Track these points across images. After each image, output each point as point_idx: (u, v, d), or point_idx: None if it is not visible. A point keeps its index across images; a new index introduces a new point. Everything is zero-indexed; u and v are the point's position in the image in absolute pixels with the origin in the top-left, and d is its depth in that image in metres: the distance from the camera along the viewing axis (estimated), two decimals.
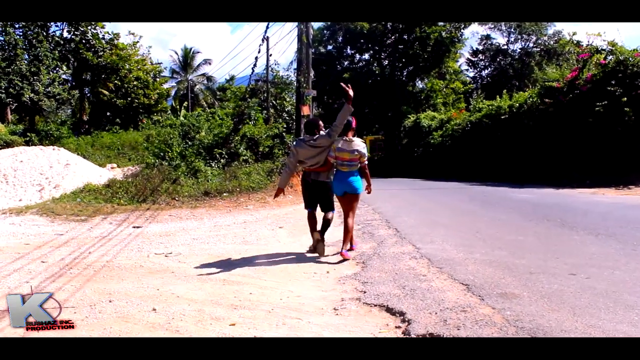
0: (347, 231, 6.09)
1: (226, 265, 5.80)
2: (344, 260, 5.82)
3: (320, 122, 6.51)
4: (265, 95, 22.48)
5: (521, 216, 8.56)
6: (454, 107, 37.38)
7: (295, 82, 19.32)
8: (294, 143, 6.62)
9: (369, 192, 6.39)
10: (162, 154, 16.16)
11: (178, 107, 40.95)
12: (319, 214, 6.51)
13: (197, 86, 49.93)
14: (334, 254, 6.20)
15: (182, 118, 23.17)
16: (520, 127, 18.90)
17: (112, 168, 18.47)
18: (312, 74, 17.10)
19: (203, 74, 50.66)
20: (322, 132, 6.34)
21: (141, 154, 20.17)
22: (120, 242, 7.62)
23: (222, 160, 16.14)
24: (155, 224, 9.62)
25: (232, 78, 50.99)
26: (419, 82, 43.38)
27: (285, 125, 19.49)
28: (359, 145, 6.13)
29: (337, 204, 6.80)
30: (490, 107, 22.02)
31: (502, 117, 20.32)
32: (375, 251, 6.14)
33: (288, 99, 22.57)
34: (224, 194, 13.57)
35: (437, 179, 22.54)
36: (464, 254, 5.63)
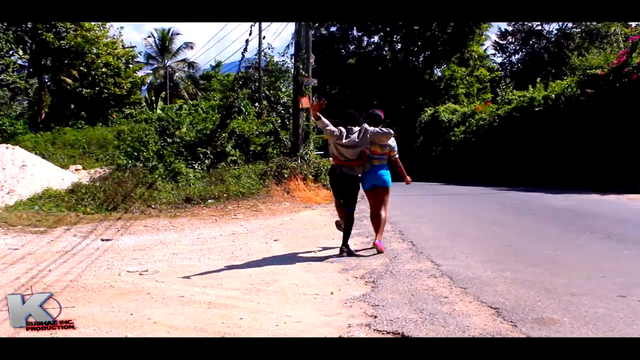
0: (380, 222, 7.18)
1: (212, 284, 5.78)
2: (379, 252, 6.92)
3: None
4: (257, 84, 22.50)
5: (560, 227, 8.55)
6: (479, 99, 37.47)
7: (292, 70, 19.36)
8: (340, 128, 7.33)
9: (408, 183, 7.70)
10: (135, 153, 16.19)
11: (154, 98, 40.99)
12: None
13: (177, 74, 50.06)
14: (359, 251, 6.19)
15: (159, 111, 23.27)
16: (557, 121, 18.95)
17: (76, 170, 18.46)
18: (312, 59, 17.16)
19: (184, 60, 50.81)
20: (366, 128, 7.26)
21: (111, 154, 20.17)
22: (87, 257, 7.61)
23: (206, 161, 16.16)
24: (128, 237, 9.61)
25: (218, 64, 51.19)
26: (438, 69, 43.48)
27: (280, 120, 19.51)
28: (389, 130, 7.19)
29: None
30: (521, 98, 22.08)
31: (536, 109, 20.39)
32: (388, 268, 6.13)
33: (284, 89, 22.58)
34: (209, 201, 13.58)
35: (459, 183, 22.59)
36: (492, 271, 5.63)
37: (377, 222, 7.23)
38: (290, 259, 7.26)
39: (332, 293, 5.32)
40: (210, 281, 5.96)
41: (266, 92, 22.82)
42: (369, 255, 6.99)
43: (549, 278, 5.24)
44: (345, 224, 7.37)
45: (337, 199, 7.58)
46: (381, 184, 7.20)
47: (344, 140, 7.18)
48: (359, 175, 7.33)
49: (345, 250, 7.19)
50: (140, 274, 6.45)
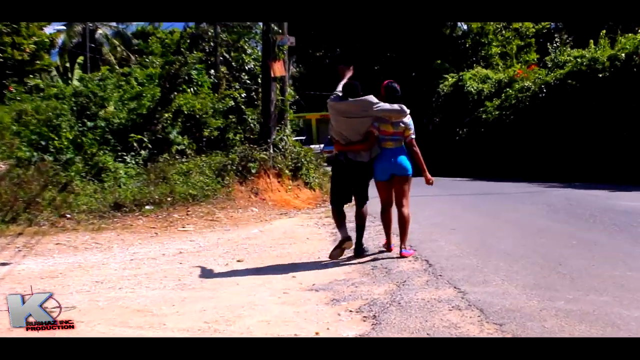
0: (405, 222, 7.91)
1: (151, 324, 5.75)
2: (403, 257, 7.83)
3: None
4: (212, 45, 22.42)
5: (632, 238, 8.60)
6: (520, 61, 37.59)
7: (261, 25, 19.32)
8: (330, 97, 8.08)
9: (429, 183, 8.43)
10: (43, 142, 16.05)
11: (69, 65, 40.75)
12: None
13: (101, 31, 49.76)
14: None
15: (76, 83, 23.12)
16: (629, 91, 19.00)
17: None
18: None
19: None
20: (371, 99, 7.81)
21: (8, 143, 19.97)
22: None
23: (142, 152, 16.10)
24: (33, 259, 9.54)
25: None
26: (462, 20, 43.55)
27: (245, 94, 19.49)
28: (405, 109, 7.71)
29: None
30: (579, 59, 22.15)
31: (599, 75, 20.44)
32: (394, 297, 6.14)
33: (250, 51, 22.56)
34: (147, 208, 13.54)
35: (492, 178, 22.67)
36: (538, 300, 5.67)
37: (400, 223, 7.98)
38: (260, 286, 7.25)
39: (317, 334, 5.31)
40: (149, 320, 5.93)
41: (225, 55, 22.77)
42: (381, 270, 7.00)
43: (617, 309, 5.27)
44: (359, 224, 8.26)
45: (337, 205, 8.19)
46: (400, 172, 7.70)
47: (333, 101, 7.72)
48: (368, 162, 7.85)
49: (363, 252, 8.28)
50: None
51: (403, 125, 7.69)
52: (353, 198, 8.24)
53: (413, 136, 7.92)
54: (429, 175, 8.29)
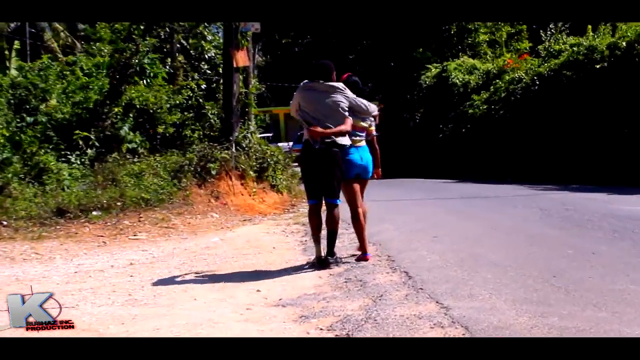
0: (362, 225, 8.42)
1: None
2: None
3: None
4: (168, 31, 22.34)
5: (634, 247, 8.68)
6: (510, 50, 37.80)
7: None
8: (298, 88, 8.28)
9: (377, 177, 8.52)
10: None
11: (7, 52, 40.40)
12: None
13: None
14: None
15: (13, 73, 22.90)
16: (631, 83, 19.16)
17: None
18: None
19: None
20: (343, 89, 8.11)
21: None
22: None
23: (89, 151, 16.00)
24: None
25: None
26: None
27: (204, 86, 19.43)
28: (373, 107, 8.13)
29: None
30: (575, 48, 22.31)
31: (597, 66, 20.60)
32: (369, 314, 6.14)
33: (210, 38, 22.50)
34: (94, 213, 13.45)
35: (480, 180, 22.78)
36: (529, 316, 5.69)
37: (361, 228, 8.42)
38: (220, 301, 7.24)
39: None
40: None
41: (183, 42, 22.71)
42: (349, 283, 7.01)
43: (617, 326, 5.31)
44: (331, 229, 8.41)
45: (314, 201, 8.34)
46: (365, 174, 8.20)
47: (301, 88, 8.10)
48: (344, 149, 8.04)
49: (333, 260, 8.39)
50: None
51: (369, 122, 7.84)
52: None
53: (375, 134, 8.13)
54: (379, 170, 8.60)
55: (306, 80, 8.27)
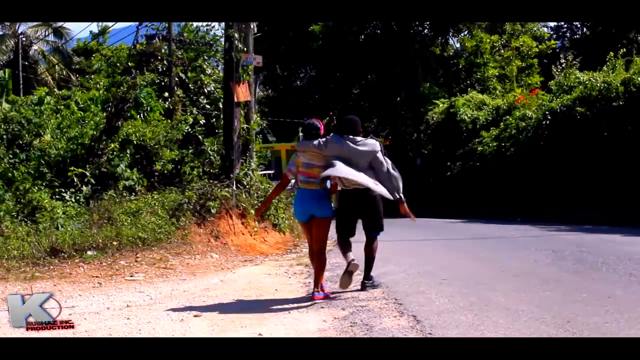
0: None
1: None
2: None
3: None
4: (166, 64, 22.42)
5: None
6: (520, 85, 37.82)
7: (223, 41, 19.36)
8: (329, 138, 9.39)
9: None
10: None
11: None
12: None
13: (36, 46, 49.63)
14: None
15: (6, 107, 22.95)
16: None
17: None
18: (254, 25, 17.17)
19: (47, 24, 50.43)
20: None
21: None
22: None
23: (84, 189, 15.98)
24: None
25: (102, 31, 50.89)
26: (454, 37, 43.81)
27: (204, 122, 19.45)
28: None
29: None
30: (588, 83, 22.30)
31: (614, 103, 20.59)
32: None
33: (210, 72, 22.56)
34: (89, 253, 13.42)
35: (490, 220, 22.70)
36: None
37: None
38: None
39: None
40: None
41: (181, 75, 22.78)
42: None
43: None
44: (371, 256, 9.65)
45: (344, 238, 9.55)
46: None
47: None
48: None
49: (370, 284, 9.60)
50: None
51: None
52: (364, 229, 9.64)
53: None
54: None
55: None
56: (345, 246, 9.44)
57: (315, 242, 9.38)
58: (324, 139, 9.29)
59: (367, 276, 9.60)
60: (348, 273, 9.03)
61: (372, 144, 9.23)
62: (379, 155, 9.22)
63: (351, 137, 9.19)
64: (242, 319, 8.44)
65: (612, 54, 23.00)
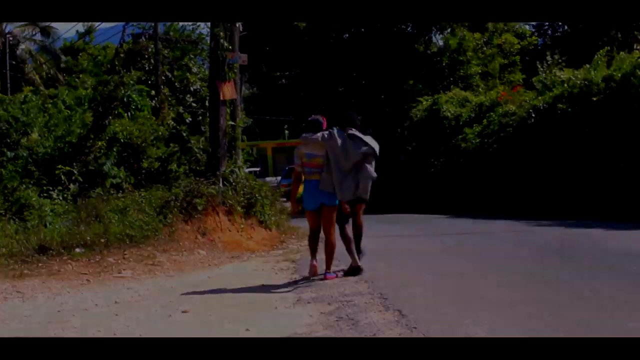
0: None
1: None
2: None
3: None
4: (152, 63, 22.43)
5: (633, 284, 8.75)
6: (504, 82, 37.86)
7: (208, 40, 19.40)
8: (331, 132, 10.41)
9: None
10: None
11: None
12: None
13: (24, 46, 49.43)
14: None
15: None
16: (627, 116, 19.26)
17: None
18: (239, 24, 17.22)
19: (34, 23, 50.22)
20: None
21: None
22: None
23: (72, 187, 16.00)
24: None
25: (89, 30, 50.77)
26: (437, 35, 43.78)
27: (190, 120, 19.49)
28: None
29: None
30: (570, 81, 22.40)
31: (594, 98, 20.69)
32: None
33: (196, 70, 22.59)
34: (77, 250, 13.42)
35: (473, 215, 22.75)
36: None
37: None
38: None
39: None
40: None
41: (168, 74, 22.79)
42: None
43: None
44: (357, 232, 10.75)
45: (344, 222, 10.56)
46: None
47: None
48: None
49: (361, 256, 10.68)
50: None
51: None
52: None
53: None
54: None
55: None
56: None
57: (327, 226, 10.45)
58: (328, 132, 10.28)
59: (358, 250, 10.78)
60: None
61: (373, 146, 10.37)
62: (373, 156, 10.28)
63: (354, 132, 10.37)
64: (230, 314, 8.51)
65: (602, 52, 23.00)
